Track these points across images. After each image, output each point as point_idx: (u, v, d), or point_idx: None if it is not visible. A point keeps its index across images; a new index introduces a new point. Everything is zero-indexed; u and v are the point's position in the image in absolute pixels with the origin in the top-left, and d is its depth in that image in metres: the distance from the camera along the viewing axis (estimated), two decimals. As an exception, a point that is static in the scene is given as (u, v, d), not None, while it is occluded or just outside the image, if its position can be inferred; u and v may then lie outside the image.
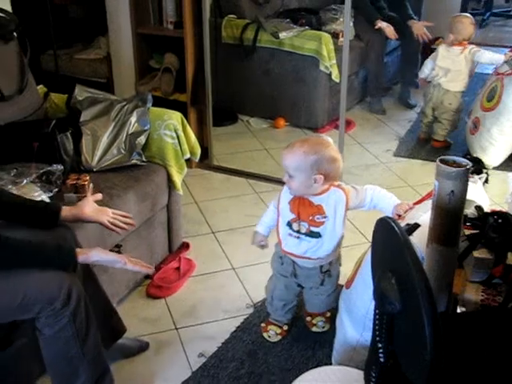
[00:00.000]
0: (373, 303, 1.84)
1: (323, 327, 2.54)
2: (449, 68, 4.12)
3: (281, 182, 3.68)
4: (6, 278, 1.83)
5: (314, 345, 2.48)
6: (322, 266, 2.36)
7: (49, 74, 4.29)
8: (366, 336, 2.07)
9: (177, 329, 2.58)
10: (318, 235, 2.26)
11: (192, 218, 3.37)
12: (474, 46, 4.13)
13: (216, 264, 3.01)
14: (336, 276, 2.45)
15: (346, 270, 2.66)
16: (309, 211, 2.23)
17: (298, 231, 2.27)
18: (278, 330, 2.53)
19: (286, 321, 2.55)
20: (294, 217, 2.26)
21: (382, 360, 1.42)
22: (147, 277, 2.82)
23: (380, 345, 1.42)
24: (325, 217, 2.23)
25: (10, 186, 2.32)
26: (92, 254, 1.98)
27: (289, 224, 2.29)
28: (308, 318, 2.56)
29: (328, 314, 2.55)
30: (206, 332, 2.57)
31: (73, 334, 1.90)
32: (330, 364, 2.32)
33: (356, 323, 2.14)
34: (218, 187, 3.77)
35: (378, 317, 1.43)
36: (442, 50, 4.16)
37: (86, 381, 1.99)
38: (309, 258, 2.32)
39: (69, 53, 4.59)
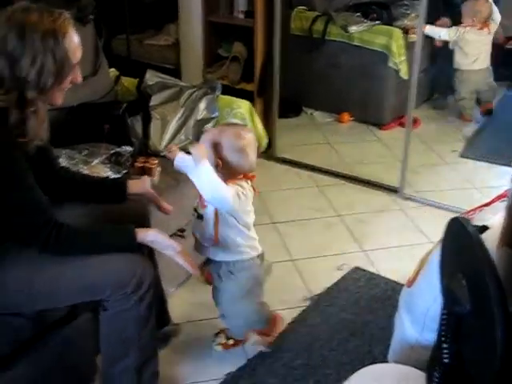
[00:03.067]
0: (435, 303, 1.82)
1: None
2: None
3: (343, 177, 3.72)
4: (80, 259, 1.88)
5: (370, 341, 2.47)
6: (223, 264, 2.20)
7: (118, 58, 4.36)
8: (426, 335, 2.04)
9: (234, 316, 2.60)
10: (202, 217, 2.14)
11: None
12: None
13: (275, 254, 3.00)
14: (241, 283, 2.21)
15: (406, 269, 2.64)
16: None
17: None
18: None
19: None
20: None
21: (446, 361, 1.40)
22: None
23: (445, 345, 1.40)
24: None
25: (81, 166, 2.38)
26: (149, 234, 1.96)
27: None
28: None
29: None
30: (262, 321, 2.58)
31: (135, 317, 1.93)
32: (386, 361, 2.31)
33: (416, 322, 2.12)
34: (280, 178, 3.78)
35: (444, 317, 1.41)
36: None
37: (133, 362, 2.02)
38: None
39: (139, 38, 4.65)
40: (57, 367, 2.06)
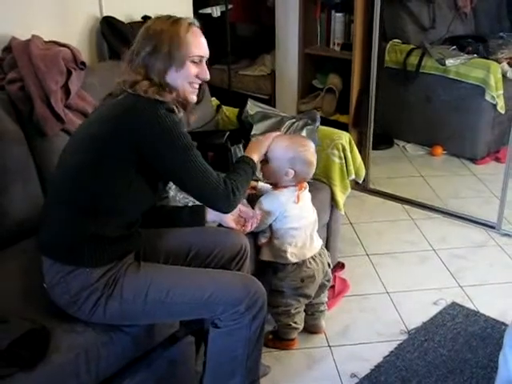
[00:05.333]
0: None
1: None
2: None
3: (437, 211, 3.67)
4: (195, 274, 1.95)
5: (470, 380, 2.40)
6: None
7: (213, 88, 4.45)
8: (534, 377, 1.98)
9: (330, 346, 2.60)
10: None
11: (347, 238, 3.38)
12: None
13: (370, 286, 3.00)
14: None
15: (506, 307, 2.59)
16: None
17: None
18: None
19: None
20: None
21: None
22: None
23: None
24: None
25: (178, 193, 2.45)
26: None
27: None
28: None
29: None
30: (358, 353, 2.56)
31: (246, 336, 1.96)
32: (490, 401, 2.26)
33: (522, 362, 2.06)
34: (373, 210, 3.76)
35: None
36: None
37: (238, 383, 2.03)
38: None
39: (234, 68, 4.74)
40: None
